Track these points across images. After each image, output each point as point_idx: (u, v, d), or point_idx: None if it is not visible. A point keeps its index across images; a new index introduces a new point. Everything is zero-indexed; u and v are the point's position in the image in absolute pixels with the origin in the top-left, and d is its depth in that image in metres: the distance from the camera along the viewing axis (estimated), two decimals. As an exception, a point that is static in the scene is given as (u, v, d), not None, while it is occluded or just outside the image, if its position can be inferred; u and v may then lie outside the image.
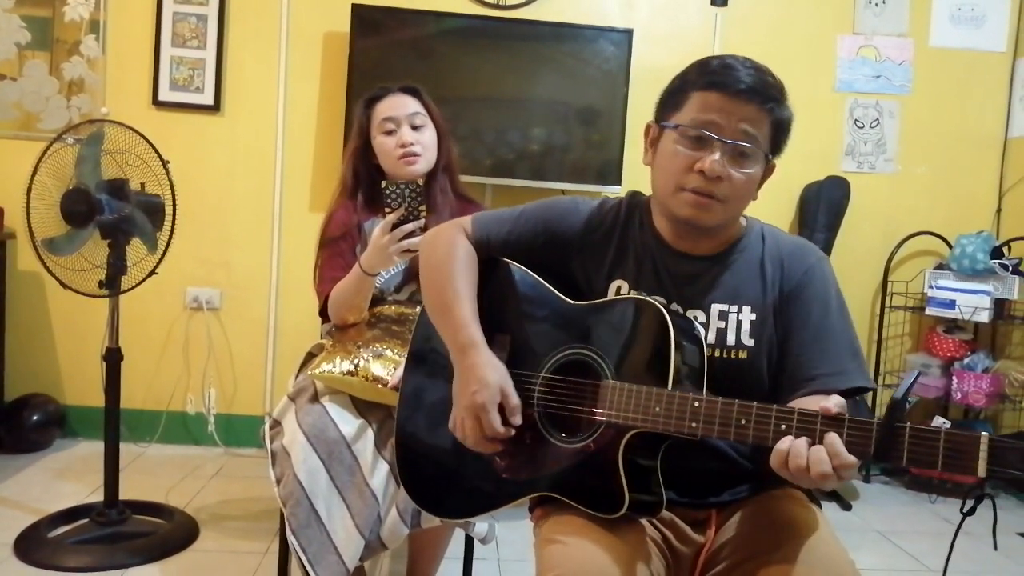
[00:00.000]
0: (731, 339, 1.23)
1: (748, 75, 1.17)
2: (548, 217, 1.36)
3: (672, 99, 1.24)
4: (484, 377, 1.21)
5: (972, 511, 1.01)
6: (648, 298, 1.19)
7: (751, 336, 1.23)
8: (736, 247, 1.29)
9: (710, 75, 1.19)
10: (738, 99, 1.17)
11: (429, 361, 1.41)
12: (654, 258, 1.29)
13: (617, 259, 1.31)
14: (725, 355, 1.22)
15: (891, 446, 0.95)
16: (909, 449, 0.94)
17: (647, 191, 1.39)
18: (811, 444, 0.99)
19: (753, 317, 1.24)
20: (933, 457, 0.93)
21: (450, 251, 1.36)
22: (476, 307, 1.31)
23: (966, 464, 0.91)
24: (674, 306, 1.25)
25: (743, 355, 1.23)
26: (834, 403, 1.01)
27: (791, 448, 1.00)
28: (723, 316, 1.24)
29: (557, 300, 1.30)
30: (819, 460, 0.97)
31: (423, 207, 1.75)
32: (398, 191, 1.74)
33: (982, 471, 0.90)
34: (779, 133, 1.22)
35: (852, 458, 0.96)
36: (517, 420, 1.22)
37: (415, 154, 1.89)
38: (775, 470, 1.02)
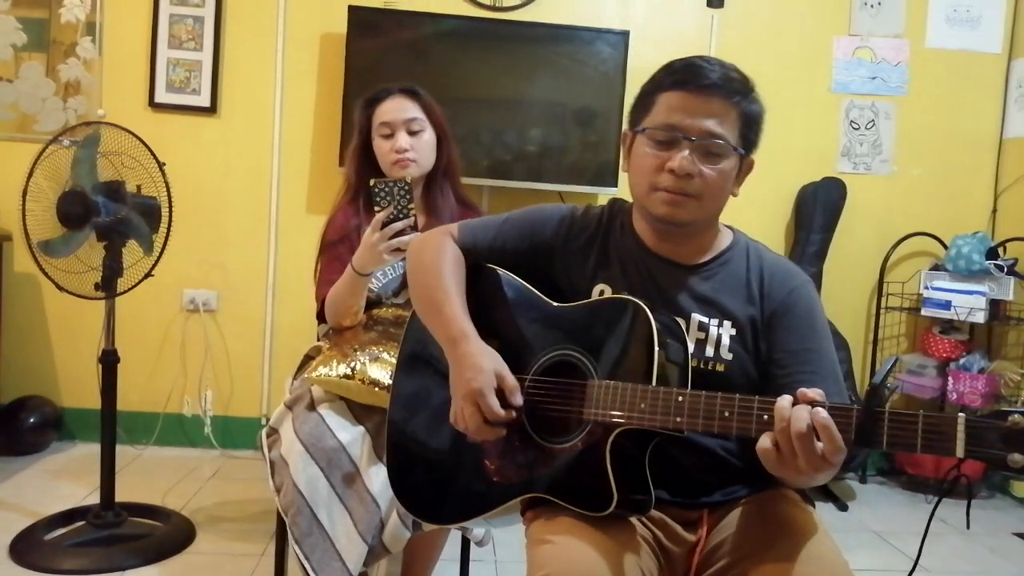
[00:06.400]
0: (709, 351, 1.24)
1: (712, 71, 1.19)
2: (532, 222, 1.38)
3: (642, 104, 1.27)
4: (478, 364, 1.22)
5: (949, 491, 1.02)
6: (630, 297, 1.20)
7: (730, 351, 1.23)
8: (720, 259, 1.29)
9: (674, 75, 1.22)
10: (701, 95, 1.19)
11: (419, 368, 1.42)
12: (637, 263, 1.30)
13: (600, 264, 1.32)
14: (703, 366, 1.23)
15: (871, 431, 0.95)
16: (889, 433, 0.95)
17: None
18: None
19: (733, 332, 1.24)
20: (912, 440, 0.93)
21: (438, 254, 1.38)
22: (466, 304, 1.32)
23: (944, 445, 0.92)
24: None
25: (720, 368, 1.23)
26: (815, 392, 1.01)
27: (792, 415, 0.98)
28: (703, 327, 1.25)
29: (542, 303, 1.31)
30: (824, 421, 0.95)
31: (412, 205, 1.75)
32: (387, 189, 1.74)
33: (960, 452, 0.91)
34: (749, 127, 1.23)
35: (838, 432, 0.96)
36: (518, 400, 1.21)
37: (409, 160, 1.89)
38: (767, 461, 1.01)
